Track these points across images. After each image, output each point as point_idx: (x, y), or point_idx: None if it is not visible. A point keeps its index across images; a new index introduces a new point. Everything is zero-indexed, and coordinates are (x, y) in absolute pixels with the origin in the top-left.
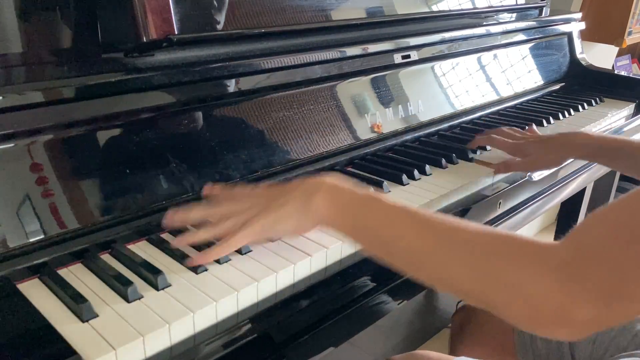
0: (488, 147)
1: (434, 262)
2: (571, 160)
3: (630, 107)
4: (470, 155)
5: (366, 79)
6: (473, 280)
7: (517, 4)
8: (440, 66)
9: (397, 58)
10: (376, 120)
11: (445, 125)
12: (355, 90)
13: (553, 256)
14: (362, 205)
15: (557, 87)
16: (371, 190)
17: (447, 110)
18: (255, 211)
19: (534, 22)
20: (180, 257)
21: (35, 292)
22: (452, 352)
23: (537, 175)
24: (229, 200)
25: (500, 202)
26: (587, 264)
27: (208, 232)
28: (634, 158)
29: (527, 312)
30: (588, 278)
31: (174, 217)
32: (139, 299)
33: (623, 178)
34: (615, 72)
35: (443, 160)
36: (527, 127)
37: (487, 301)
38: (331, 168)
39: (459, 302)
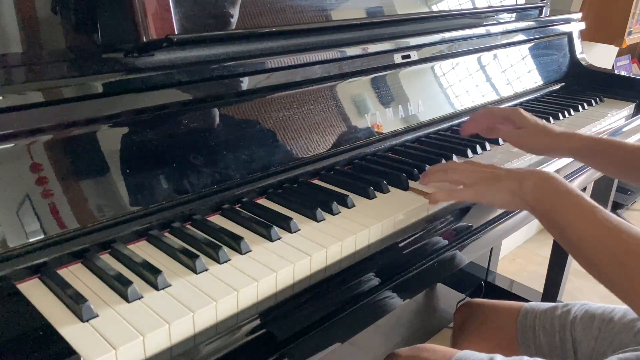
0: (488, 147)
1: (592, 251)
2: (555, 160)
3: (630, 107)
4: (470, 154)
5: (366, 79)
6: (618, 274)
7: (517, 4)
8: (440, 66)
9: (397, 58)
10: (376, 120)
11: (445, 125)
12: (355, 90)
13: None
14: (558, 197)
15: (557, 87)
16: (574, 187)
17: (447, 110)
18: (481, 179)
19: (534, 22)
20: (180, 257)
21: (35, 292)
22: (454, 347)
23: None
24: (464, 168)
25: None
26: None
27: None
28: (621, 160)
29: None
30: None
31: (423, 179)
32: (139, 299)
33: None
34: (615, 72)
35: (443, 161)
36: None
37: (624, 294)
38: (331, 168)
39: (459, 301)
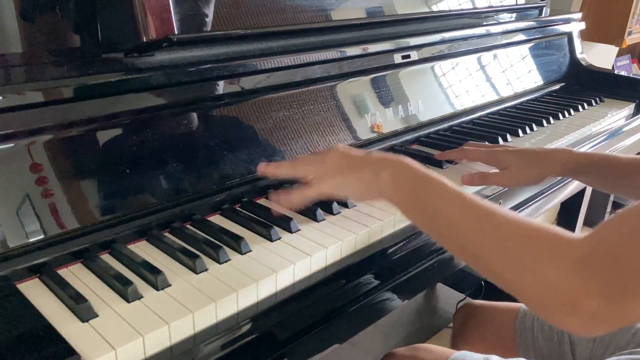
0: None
1: (469, 240)
2: (552, 178)
3: (630, 107)
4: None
5: (366, 79)
6: (499, 260)
7: (517, 4)
8: (440, 66)
9: (397, 58)
10: (376, 120)
11: (445, 125)
12: (355, 90)
13: (573, 248)
14: (420, 185)
15: (557, 87)
16: (432, 171)
17: (447, 110)
18: (333, 171)
19: (534, 22)
20: (180, 257)
21: (35, 292)
22: (453, 349)
23: None
24: (311, 160)
25: (500, 202)
26: (603, 258)
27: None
28: (616, 176)
29: (541, 297)
30: (602, 272)
31: (265, 169)
32: (139, 299)
33: None
34: (615, 72)
35: (443, 161)
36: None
37: (507, 281)
38: None
39: (459, 301)
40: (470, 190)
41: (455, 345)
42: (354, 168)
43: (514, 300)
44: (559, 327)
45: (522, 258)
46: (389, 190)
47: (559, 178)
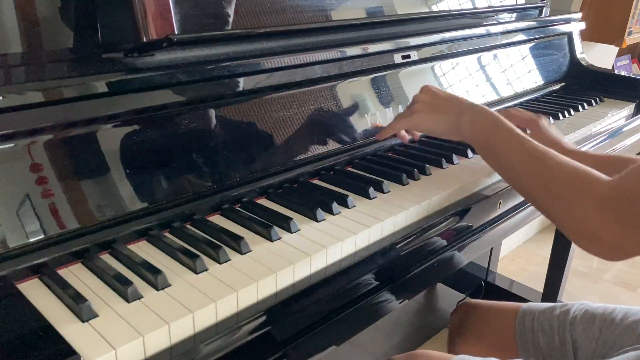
0: (470, 155)
1: (523, 180)
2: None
3: (630, 107)
4: (471, 154)
5: (366, 79)
6: (544, 197)
7: (517, 4)
8: (441, 66)
9: (397, 58)
10: (376, 120)
11: None
12: (355, 90)
13: (600, 186)
14: (492, 129)
15: (557, 87)
16: (505, 120)
17: None
18: (420, 108)
19: (534, 22)
20: (180, 257)
21: (35, 292)
22: (451, 350)
23: None
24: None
25: (500, 202)
26: (622, 196)
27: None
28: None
29: (573, 228)
30: (619, 207)
31: (378, 137)
32: (139, 299)
33: None
34: (615, 72)
35: (443, 161)
36: None
37: (552, 216)
38: (331, 168)
39: (460, 301)
40: None
41: (452, 347)
42: (439, 109)
43: (514, 300)
44: (588, 252)
45: (560, 196)
46: (467, 132)
47: None
